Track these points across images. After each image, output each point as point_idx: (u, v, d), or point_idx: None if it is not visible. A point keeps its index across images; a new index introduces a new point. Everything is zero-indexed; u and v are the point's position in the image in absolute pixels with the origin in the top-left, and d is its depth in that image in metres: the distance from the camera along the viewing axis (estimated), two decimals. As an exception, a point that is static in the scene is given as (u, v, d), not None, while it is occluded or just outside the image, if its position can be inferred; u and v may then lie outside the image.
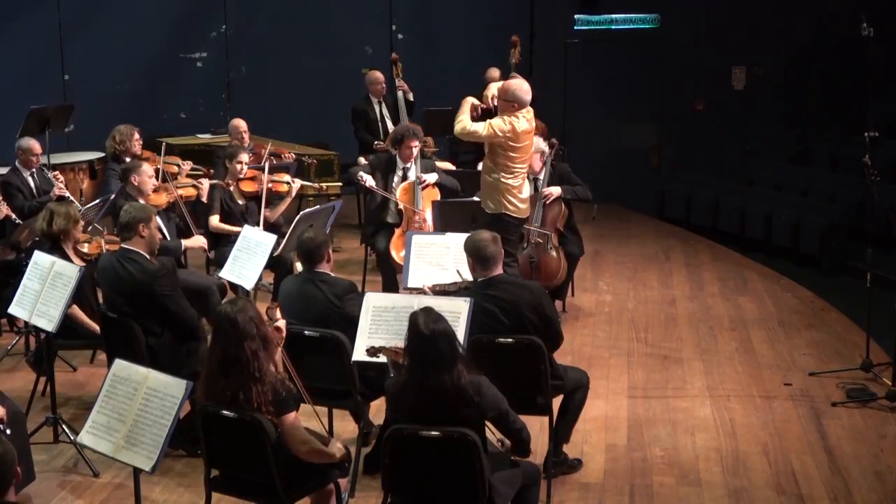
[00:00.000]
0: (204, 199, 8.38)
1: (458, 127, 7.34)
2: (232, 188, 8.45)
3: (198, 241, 8.02)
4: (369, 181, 8.53)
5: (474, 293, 5.51)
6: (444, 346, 4.41)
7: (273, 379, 4.60)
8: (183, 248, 7.93)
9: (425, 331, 4.42)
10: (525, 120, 7.32)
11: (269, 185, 8.49)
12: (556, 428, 5.75)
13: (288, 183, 8.71)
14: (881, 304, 7.29)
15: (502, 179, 7.40)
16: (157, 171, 8.36)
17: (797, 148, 13.13)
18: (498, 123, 7.29)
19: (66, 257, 6.71)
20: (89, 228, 7.60)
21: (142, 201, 7.50)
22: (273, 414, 4.58)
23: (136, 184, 7.81)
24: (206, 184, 8.52)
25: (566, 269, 8.28)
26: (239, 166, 8.44)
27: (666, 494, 5.79)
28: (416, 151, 8.54)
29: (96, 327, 6.59)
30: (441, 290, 5.98)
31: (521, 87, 7.39)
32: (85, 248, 7.08)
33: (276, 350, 4.78)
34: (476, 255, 5.53)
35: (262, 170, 8.57)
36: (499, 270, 5.58)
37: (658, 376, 7.43)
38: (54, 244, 6.79)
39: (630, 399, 7.03)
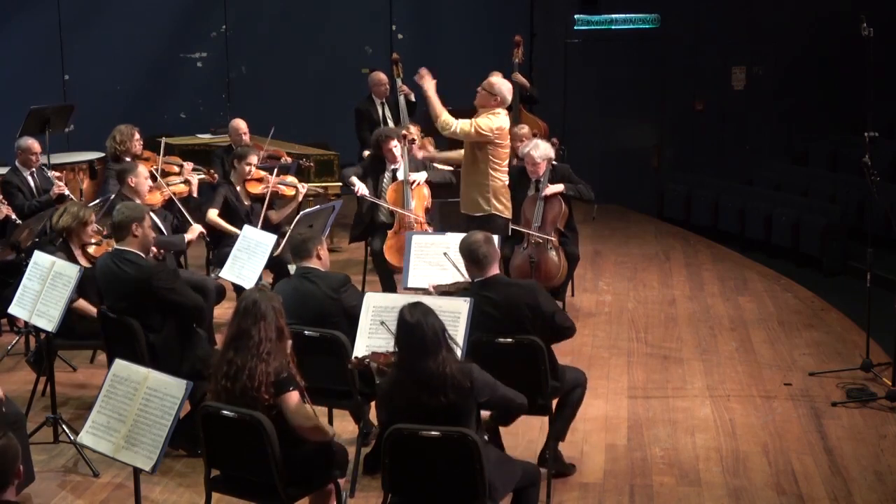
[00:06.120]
0: (195, 195, 8.42)
1: (439, 124, 7.39)
2: (239, 189, 8.49)
3: (196, 229, 7.98)
4: (361, 189, 8.53)
5: (472, 294, 5.51)
6: (428, 333, 4.50)
7: (279, 365, 4.65)
8: (186, 241, 7.89)
9: (410, 319, 4.53)
10: (505, 118, 7.41)
11: (275, 187, 8.52)
12: (553, 423, 5.74)
13: (295, 187, 8.74)
14: (881, 304, 7.30)
15: (492, 179, 7.44)
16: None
17: (797, 148, 13.14)
18: (485, 123, 7.35)
19: (72, 255, 6.73)
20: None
21: (138, 202, 7.49)
22: (273, 395, 4.61)
23: (133, 185, 7.77)
24: (195, 179, 8.56)
25: (566, 269, 8.28)
26: (248, 168, 8.47)
27: (666, 494, 5.78)
28: (398, 151, 8.56)
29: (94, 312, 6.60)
30: (443, 291, 5.98)
31: (510, 87, 7.53)
32: (91, 250, 7.07)
33: (287, 346, 4.80)
34: (469, 256, 5.52)
35: (270, 171, 8.63)
36: (495, 270, 5.56)
37: (658, 376, 7.43)
38: (63, 240, 6.82)
39: (630, 399, 7.03)
